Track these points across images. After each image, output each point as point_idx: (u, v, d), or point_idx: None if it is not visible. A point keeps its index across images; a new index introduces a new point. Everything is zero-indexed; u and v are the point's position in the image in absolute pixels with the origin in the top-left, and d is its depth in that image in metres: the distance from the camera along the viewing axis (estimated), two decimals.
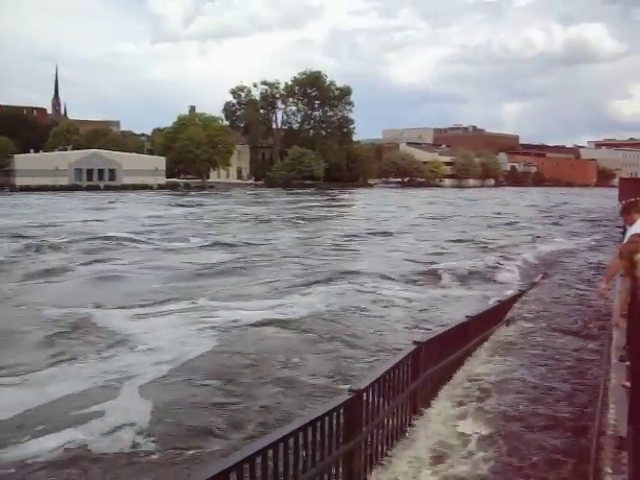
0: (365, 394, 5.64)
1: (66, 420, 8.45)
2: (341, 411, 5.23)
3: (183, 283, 18.81)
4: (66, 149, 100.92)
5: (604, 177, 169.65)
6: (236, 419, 8.59)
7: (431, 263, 22.85)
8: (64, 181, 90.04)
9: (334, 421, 5.13)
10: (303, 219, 44.61)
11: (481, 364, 9.45)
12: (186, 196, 77.49)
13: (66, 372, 10.49)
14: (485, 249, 27.56)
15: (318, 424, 4.88)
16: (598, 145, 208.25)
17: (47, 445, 7.72)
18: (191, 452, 7.48)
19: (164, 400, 9.27)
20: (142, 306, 15.32)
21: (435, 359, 7.72)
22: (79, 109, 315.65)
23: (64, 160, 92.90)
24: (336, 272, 20.51)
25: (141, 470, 7.13)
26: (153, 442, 7.80)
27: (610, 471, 3.19)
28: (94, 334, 12.83)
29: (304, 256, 24.76)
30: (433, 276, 20.12)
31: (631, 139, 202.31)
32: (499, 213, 53.50)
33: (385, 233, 34.57)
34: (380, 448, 6.18)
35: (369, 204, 65.82)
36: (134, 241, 29.30)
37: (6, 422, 8.46)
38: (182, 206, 57.73)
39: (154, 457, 7.45)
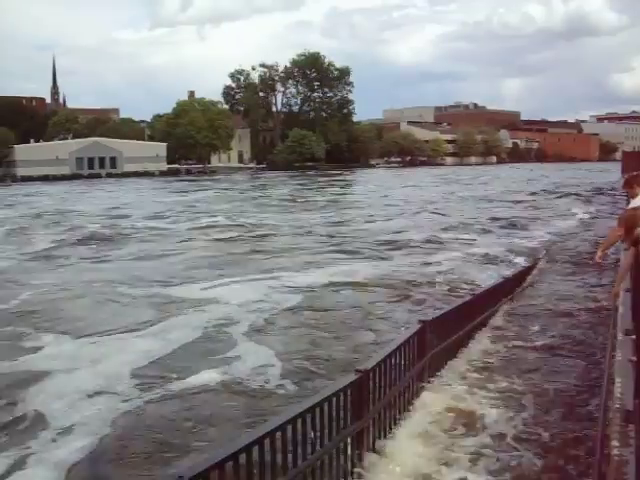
0: (372, 374, 5.67)
1: (208, 361, 9.53)
2: (348, 391, 5.26)
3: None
4: (66, 138, 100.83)
5: (607, 151, 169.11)
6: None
7: None
8: (65, 170, 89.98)
9: (341, 401, 5.16)
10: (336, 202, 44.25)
11: (487, 341, 9.48)
12: (211, 181, 76.17)
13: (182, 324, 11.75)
14: None
15: (326, 405, 4.90)
16: (600, 119, 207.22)
17: (202, 379, 8.79)
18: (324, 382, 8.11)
19: (280, 344, 10.41)
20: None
21: (441, 337, 7.74)
22: (78, 98, 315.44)
23: (65, 149, 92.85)
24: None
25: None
26: (290, 377, 8.78)
27: (617, 444, 3.19)
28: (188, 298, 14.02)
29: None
30: None
31: (633, 112, 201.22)
32: None
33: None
34: (388, 427, 6.21)
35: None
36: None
37: (157, 362, 9.60)
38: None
39: (292, 388, 8.41)
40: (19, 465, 6.47)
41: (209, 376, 8.91)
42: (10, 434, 7.21)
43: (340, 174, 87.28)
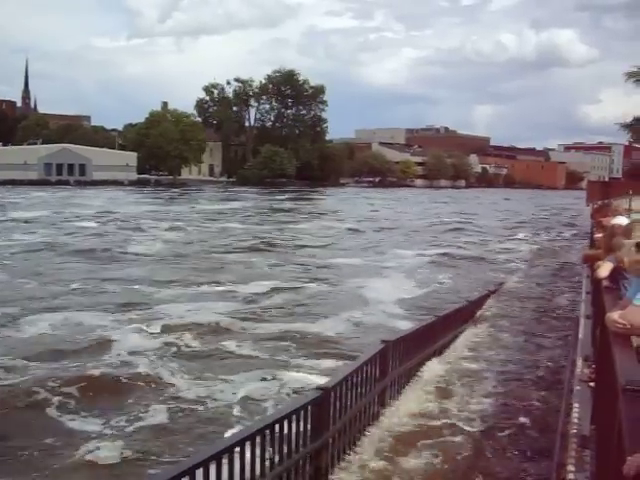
0: (333, 392, 5.65)
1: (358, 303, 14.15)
2: (309, 409, 5.24)
3: None
4: (35, 143, 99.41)
5: (573, 180, 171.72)
6: None
7: None
8: (33, 175, 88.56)
9: (301, 419, 5.13)
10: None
11: (448, 364, 9.52)
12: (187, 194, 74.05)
13: None
14: None
15: (285, 422, 4.87)
16: (567, 148, 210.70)
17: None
18: None
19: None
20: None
21: (403, 357, 7.76)
22: (50, 103, 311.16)
23: (33, 154, 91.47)
24: None
25: None
26: None
27: (573, 469, 3.23)
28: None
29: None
30: None
31: (600, 143, 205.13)
32: None
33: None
34: (348, 445, 6.19)
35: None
36: None
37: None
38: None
39: None
40: None
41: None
42: None
43: (310, 193, 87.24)
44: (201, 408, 8.18)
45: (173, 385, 9.02)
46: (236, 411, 8.02)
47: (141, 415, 7.96)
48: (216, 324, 12.59)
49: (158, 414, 7.97)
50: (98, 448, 6.93)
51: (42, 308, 13.87)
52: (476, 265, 22.53)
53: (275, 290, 16.41)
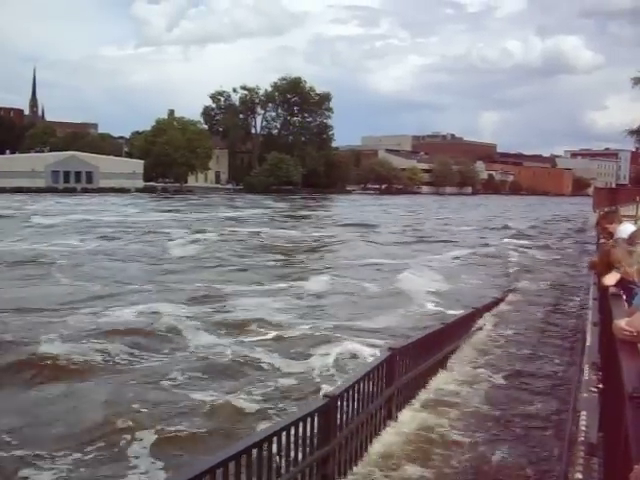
0: (339, 400, 5.65)
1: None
2: (315, 416, 5.24)
3: None
4: (43, 151, 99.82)
5: (579, 186, 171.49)
6: None
7: None
8: (40, 183, 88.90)
9: (308, 427, 5.13)
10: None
11: (455, 372, 9.50)
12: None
13: None
14: None
15: (292, 429, 4.87)
16: (574, 155, 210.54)
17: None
18: None
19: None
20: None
21: (410, 365, 7.74)
22: (58, 111, 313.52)
23: (41, 162, 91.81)
24: None
25: None
26: None
27: (580, 477, 3.21)
28: None
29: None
30: None
31: (606, 149, 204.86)
32: None
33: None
34: (355, 453, 6.18)
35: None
36: None
37: None
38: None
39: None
40: None
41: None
42: None
43: (321, 200, 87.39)
44: (301, 373, 9.72)
45: (269, 363, 10.30)
46: (329, 372, 9.72)
47: (262, 378, 9.48)
48: (282, 315, 13.85)
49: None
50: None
51: (119, 303, 15.02)
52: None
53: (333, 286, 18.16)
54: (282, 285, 18.16)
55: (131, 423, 7.61)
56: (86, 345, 10.89)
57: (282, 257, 25.34)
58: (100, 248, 26.75)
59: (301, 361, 10.37)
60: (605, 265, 6.43)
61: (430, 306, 15.54)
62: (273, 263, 23.56)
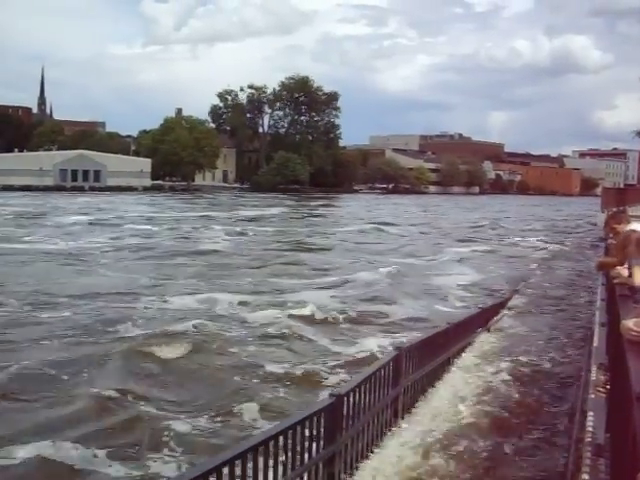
0: (346, 399, 5.64)
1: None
2: (322, 415, 5.23)
3: None
4: (51, 149, 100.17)
5: (587, 186, 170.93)
6: None
7: None
8: (49, 181, 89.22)
9: (314, 425, 5.13)
10: None
11: (463, 372, 9.48)
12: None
13: None
14: None
15: (298, 428, 4.87)
16: (582, 155, 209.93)
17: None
18: None
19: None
20: None
21: (417, 365, 7.73)
22: (66, 109, 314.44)
23: (49, 160, 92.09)
24: None
25: None
26: None
27: (587, 477, 3.21)
28: None
29: None
30: None
31: (614, 149, 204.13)
32: None
33: None
34: (361, 453, 6.18)
35: None
36: None
37: None
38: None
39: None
40: None
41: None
42: None
43: (333, 199, 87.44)
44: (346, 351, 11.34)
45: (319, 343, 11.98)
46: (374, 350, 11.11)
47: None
48: (328, 304, 15.26)
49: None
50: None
51: (175, 292, 16.27)
52: None
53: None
54: (312, 281, 19.01)
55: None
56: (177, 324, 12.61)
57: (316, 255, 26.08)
58: (138, 244, 27.58)
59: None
60: (621, 249, 6.41)
61: None
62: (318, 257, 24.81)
